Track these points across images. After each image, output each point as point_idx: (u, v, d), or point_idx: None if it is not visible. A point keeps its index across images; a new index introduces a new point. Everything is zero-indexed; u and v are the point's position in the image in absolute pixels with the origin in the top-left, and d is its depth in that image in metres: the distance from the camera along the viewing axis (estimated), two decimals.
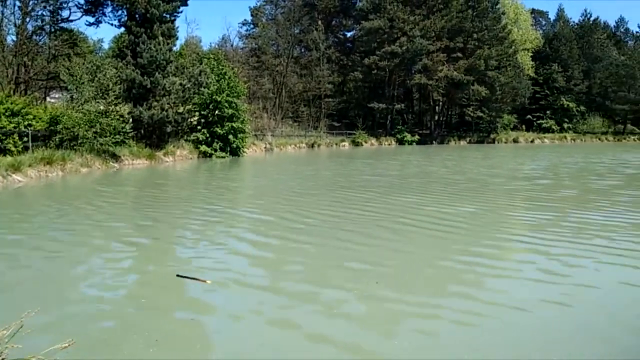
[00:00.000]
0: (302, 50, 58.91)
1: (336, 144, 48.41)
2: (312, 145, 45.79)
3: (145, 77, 25.06)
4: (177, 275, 6.12)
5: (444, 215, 10.24)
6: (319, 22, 56.37)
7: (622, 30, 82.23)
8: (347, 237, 8.40)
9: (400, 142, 52.06)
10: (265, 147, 39.35)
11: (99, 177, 18.81)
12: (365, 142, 50.30)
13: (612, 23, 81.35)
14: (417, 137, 53.25)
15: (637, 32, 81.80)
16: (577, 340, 4.36)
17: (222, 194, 15.13)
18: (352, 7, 58.61)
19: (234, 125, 30.04)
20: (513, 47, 57.53)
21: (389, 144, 51.78)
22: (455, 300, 5.43)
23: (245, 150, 32.80)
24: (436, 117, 59.72)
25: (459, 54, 53.38)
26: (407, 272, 6.52)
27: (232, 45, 56.49)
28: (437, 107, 59.83)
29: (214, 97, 29.28)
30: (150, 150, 25.50)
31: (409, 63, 51.91)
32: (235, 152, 30.80)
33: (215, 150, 29.55)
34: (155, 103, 25.57)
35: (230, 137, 30.02)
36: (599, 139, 63.73)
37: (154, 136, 26.56)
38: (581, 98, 66.34)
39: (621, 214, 10.56)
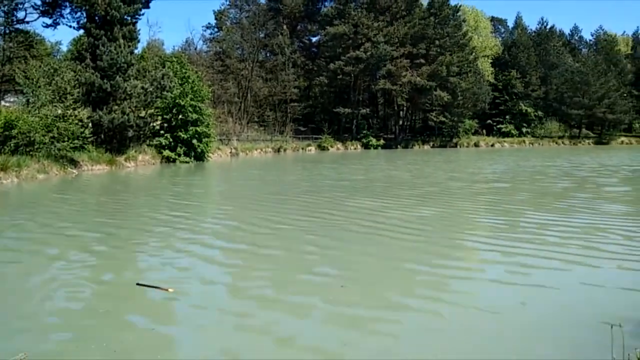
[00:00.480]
0: (268, 55, 58.78)
1: (302, 149, 48.46)
2: (279, 150, 45.68)
3: (105, 81, 24.42)
4: (137, 284, 5.98)
5: (408, 218, 10.42)
6: (284, 27, 56.48)
7: (576, 38, 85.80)
8: (312, 242, 8.41)
9: (366, 146, 52.57)
10: (230, 152, 39.00)
11: (57, 183, 18.19)
12: (332, 146, 50.55)
13: (567, 31, 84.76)
14: (382, 142, 53.85)
15: (590, 40, 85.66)
16: (537, 339, 4.49)
17: (186, 199, 14.89)
18: (317, 13, 58.93)
19: (198, 129, 29.63)
20: (473, 54, 59.12)
21: (355, 148, 52.22)
22: (420, 302, 5.52)
23: (210, 155, 32.39)
24: (400, 122, 60.62)
25: (422, 60, 54.38)
26: (371, 276, 6.58)
27: (195, 49, 55.77)
28: (401, 112, 60.74)
29: (177, 101, 28.82)
30: (110, 155, 24.82)
31: (373, 68, 52.54)
32: (199, 157, 30.37)
33: (179, 155, 29.07)
34: (116, 107, 24.93)
35: (195, 141, 29.60)
36: (556, 143, 66.07)
37: (114, 141, 25.86)
38: (539, 103, 68.67)
39: (574, 215, 10.96)
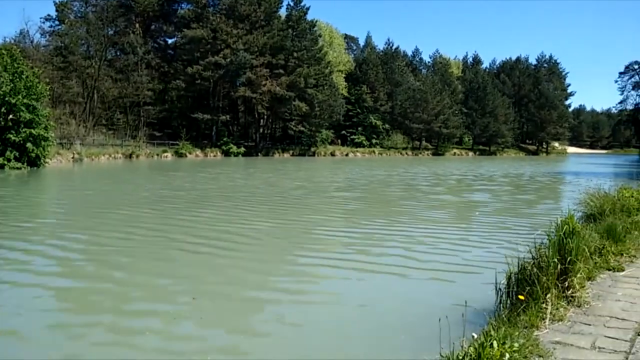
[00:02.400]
0: (118, 53, 54.69)
1: (158, 155, 45.96)
2: (130, 156, 42.69)
3: None
4: None
5: (243, 232, 9.78)
6: (137, 25, 53.17)
7: (417, 59, 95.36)
8: (124, 266, 7.69)
9: (226, 153, 51.81)
10: (73, 157, 35.35)
11: None
12: (190, 153, 48.80)
13: (409, 52, 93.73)
14: (243, 149, 53.61)
15: (428, 62, 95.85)
16: (372, 340, 4.70)
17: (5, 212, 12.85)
18: (174, 14, 56.73)
19: (33, 131, 26.28)
20: (329, 68, 62.13)
21: (215, 156, 51.13)
22: (264, 313, 5.44)
23: (47, 160, 28.96)
24: (261, 130, 61.02)
25: (281, 71, 55.55)
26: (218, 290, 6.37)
27: (32, 42, 49.65)
28: (262, 120, 61.18)
29: (7, 99, 25.28)
30: None
31: (233, 75, 52.12)
32: (34, 163, 26.96)
33: (9, 161, 25.47)
34: None
35: (29, 145, 26.19)
36: (401, 154, 72.43)
37: None
38: (386, 117, 74.62)
39: (401, 222, 11.41)
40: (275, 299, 5.80)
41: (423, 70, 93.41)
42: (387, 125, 74.70)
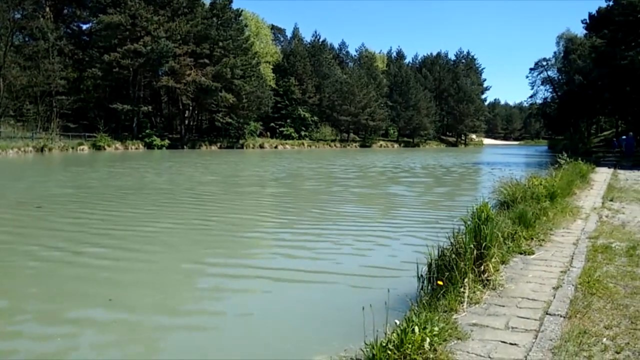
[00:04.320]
0: (26, 39, 50.42)
1: (73, 148, 43.14)
2: (42, 149, 39.70)
3: None
4: None
5: (135, 236, 8.72)
6: (47, 9, 49.33)
7: (344, 52, 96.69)
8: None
9: (149, 146, 49.66)
10: None
11: None
12: (109, 145, 46.26)
13: (336, 45, 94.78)
14: (167, 142, 51.65)
15: (355, 55, 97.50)
16: (300, 331, 4.68)
17: None
18: None
19: None
20: (256, 59, 61.28)
21: (137, 148, 48.82)
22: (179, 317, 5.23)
23: None
24: (186, 122, 59.07)
25: (206, 60, 54.00)
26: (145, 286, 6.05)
27: None
28: (187, 112, 59.23)
29: None
30: None
31: (155, 64, 49.90)
32: None
33: None
34: None
35: None
36: (330, 146, 73.27)
37: None
38: (314, 109, 75.11)
39: (317, 218, 11.03)
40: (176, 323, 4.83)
41: (350, 63, 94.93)
42: (315, 118, 75.20)
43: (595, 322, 3.67)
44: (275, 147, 65.01)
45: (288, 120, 71.23)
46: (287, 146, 66.57)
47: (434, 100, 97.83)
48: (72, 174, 21.66)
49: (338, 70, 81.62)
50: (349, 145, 76.80)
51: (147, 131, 50.90)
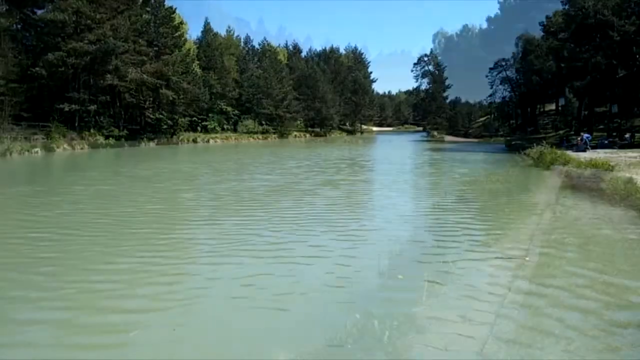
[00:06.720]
0: None
1: (28, 151, 41.29)
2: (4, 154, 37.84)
3: None
4: None
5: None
6: None
7: (249, 46, 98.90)
8: None
9: (94, 145, 48.87)
10: None
11: None
12: (58, 147, 44.79)
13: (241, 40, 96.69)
14: (112, 140, 51.10)
15: (258, 49, 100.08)
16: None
17: None
18: None
19: None
20: (190, 55, 62.14)
21: (82, 148, 47.72)
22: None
23: None
24: (127, 119, 58.07)
25: (144, 58, 53.97)
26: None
27: None
28: (129, 110, 58.23)
29: None
30: None
31: (99, 63, 48.88)
32: None
33: None
34: None
35: None
36: (253, 138, 76.30)
37: None
38: (234, 103, 77.31)
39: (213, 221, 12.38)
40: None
41: (255, 57, 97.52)
42: (236, 111, 77.50)
43: None
44: (207, 141, 66.59)
45: (210, 114, 72.37)
46: (218, 140, 68.40)
47: (334, 93, 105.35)
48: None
49: (252, 65, 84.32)
50: (269, 137, 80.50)
51: (92, 131, 49.92)
